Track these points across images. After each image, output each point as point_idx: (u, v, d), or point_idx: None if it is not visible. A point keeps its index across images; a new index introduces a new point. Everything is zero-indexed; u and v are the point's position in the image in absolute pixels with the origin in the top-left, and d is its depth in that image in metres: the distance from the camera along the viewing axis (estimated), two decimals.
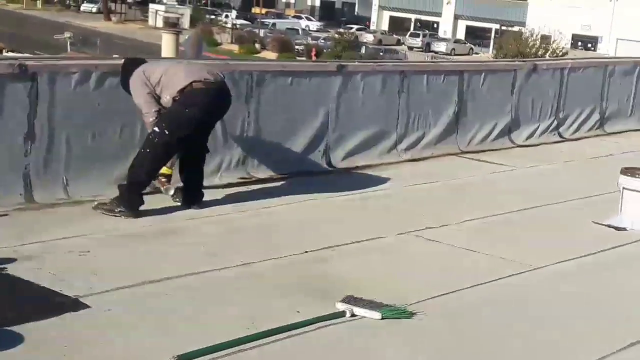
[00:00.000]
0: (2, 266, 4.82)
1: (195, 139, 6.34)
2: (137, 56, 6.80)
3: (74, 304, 4.36)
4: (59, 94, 6.30)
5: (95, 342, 3.97)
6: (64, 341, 3.93)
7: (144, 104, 6.13)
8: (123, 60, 6.50)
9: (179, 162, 6.50)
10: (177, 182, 6.57)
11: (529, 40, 51.47)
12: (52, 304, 4.36)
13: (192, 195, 6.45)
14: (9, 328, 3.99)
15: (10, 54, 25.43)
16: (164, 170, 6.41)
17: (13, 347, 3.83)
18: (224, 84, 6.42)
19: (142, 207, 6.10)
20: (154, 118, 6.08)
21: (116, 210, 5.97)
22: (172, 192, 6.45)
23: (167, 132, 6.05)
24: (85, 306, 4.35)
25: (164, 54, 28.66)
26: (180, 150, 6.32)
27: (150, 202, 6.28)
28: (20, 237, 5.36)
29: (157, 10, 71.27)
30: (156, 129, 6.06)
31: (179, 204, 6.42)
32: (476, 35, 73.65)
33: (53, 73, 6.31)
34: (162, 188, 6.47)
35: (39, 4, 79.82)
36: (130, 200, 6.03)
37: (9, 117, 6.08)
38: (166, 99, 6.13)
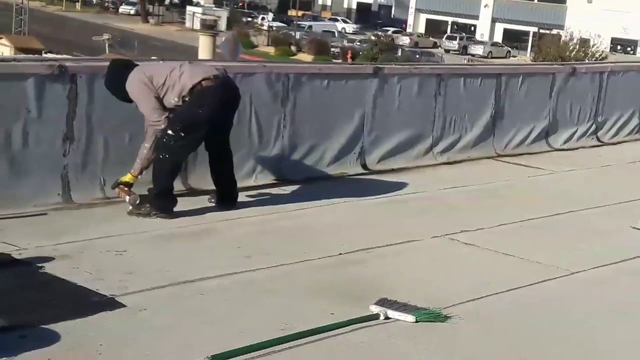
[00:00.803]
0: (40, 265, 4.88)
1: (212, 139, 6.30)
2: (125, 59, 6.60)
3: (110, 303, 4.41)
4: (97, 95, 6.36)
5: (131, 342, 4.00)
6: (99, 340, 3.97)
7: (153, 110, 6.01)
8: (111, 61, 6.38)
9: (209, 165, 6.46)
10: (208, 184, 6.59)
11: (569, 44, 50.96)
12: (88, 303, 4.40)
13: (224, 196, 6.46)
14: (47, 326, 4.04)
15: (50, 55, 25.70)
16: (126, 178, 6.15)
17: (50, 345, 3.87)
18: (230, 79, 6.38)
19: (176, 208, 6.14)
20: (165, 125, 6.00)
21: (152, 214, 6.02)
22: (137, 200, 6.08)
23: (182, 135, 6.01)
24: (121, 305, 4.39)
25: (200, 55, 28.80)
26: (195, 149, 6.29)
27: (186, 203, 6.33)
28: (58, 237, 5.42)
29: (194, 13, 71.66)
30: (170, 132, 5.98)
31: (213, 204, 6.44)
32: (514, 39, 73.12)
33: (92, 74, 6.37)
34: (127, 198, 6.08)
35: (78, 6, 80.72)
36: (163, 205, 6.07)
37: (49, 118, 6.16)
38: (173, 101, 6.03)
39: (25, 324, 4.04)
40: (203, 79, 6.06)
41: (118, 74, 6.13)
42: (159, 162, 6.08)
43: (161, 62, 6.42)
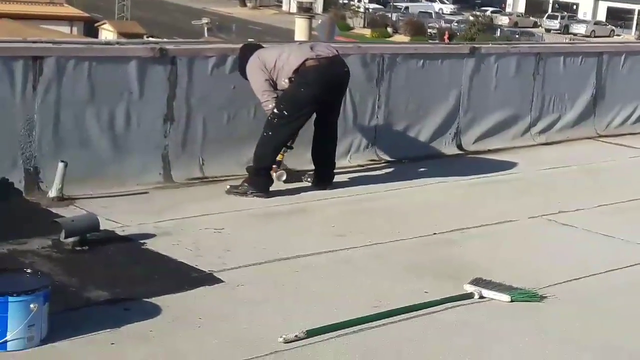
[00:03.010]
0: (142, 241, 5.05)
1: (319, 117, 6.37)
2: (253, 41, 6.79)
3: (209, 279, 4.53)
4: (197, 77, 6.51)
5: (228, 316, 4.11)
6: (198, 314, 4.09)
7: (262, 92, 6.18)
8: (240, 46, 6.56)
9: (312, 142, 6.55)
10: (303, 164, 6.67)
11: None
12: (188, 278, 4.54)
13: (322, 176, 6.53)
14: (149, 300, 4.19)
15: (152, 39, 26.27)
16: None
17: (152, 317, 4.02)
18: (338, 58, 6.39)
19: (272, 187, 6.24)
20: (273, 105, 6.14)
21: (248, 192, 6.13)
22: (284, 177, 6.38)
23: (286, 113, 6.12)
24: (219, 281, 4.51)
25: (297, 37, 28.97)
26: (299, 129, 6.33)
27: (282, 182, 6.42)
28: (159, 214, 5.59)
29: None
30: (276, 111, 6.11)
31: (310, 184, 6.51)
32: (618, 17, 70.78)
33: (191, 57, 6.52)
34: (273, 175, 6.34)
35: None
36: (260, 183, 6.17)
37: (150, 99, 6.33)
38: (283, 82, 6.16)
39: (129, 298, 4.20)
40: (307, 59, 6.15)
41: (244, 58, 6.34)
42: (262, 139, 6.22)
43: (278, 44, 6.56)
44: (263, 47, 6.47)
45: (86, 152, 6.06)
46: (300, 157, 6.82)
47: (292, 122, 6.20)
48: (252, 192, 6.13)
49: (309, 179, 6.58)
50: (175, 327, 3.95)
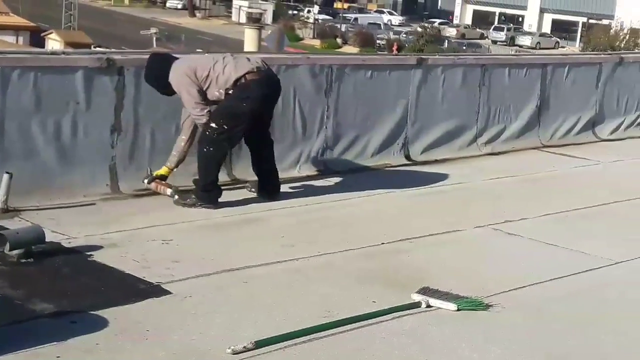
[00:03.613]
0: (89, 253, 5.01)
1: (254, 131, 6.30)
2: (163, 52, 6.70)
3: (157, 291, 4.51)
4: (144, 88, 6.45)
5: (176, 328, 4.09)
6: (146, 326, 4.07)
7: (196, 105, 6.06)
8: (150, 55, 6.43)
9: (251, 156, 6.51)
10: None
11: (619, 34, 50.20)
12: (135, 290, 4.51)
13: (266, 186, 6.51)
14: (95, 312, 4.15)
15: (99, 49, 26.05)
16: (162, 171, 6.27)
17: (99, 330, 3.98)
18: (272, 72, 6.40)
19: (221, 199, 6.22)
20: (207, 118, 6.06)
21: (197, 204, 6.10)
22: (169, 192, 6.19)
23: (226, 127, 6.06)
24: (167, 292, 4.49)
25: (246, 48, 28.97)
26: (238, 141, 6.32)
27: (230, 193, 6.42)
28: (106, 226, 5.54)
29: (240, 6, 72.00)
30: (214, 125, 6.03)
31: (254, 194, 6.51)
32: (562, 29, 72.11)
33: (139, 67, 6.47)
34: (167, 191, 6.20)
35: (126, 1, 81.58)
36: (208, 197, 6.15)
37: (97, 110, 6.28)
38: (217, 93, 6.06)
39: (75, 310, 4.16)
40: (247, 72, 6.10)
41: (158, 67, 6.20)
42: (203, 155, 6.15)
43: (204, 54, 6.46)
44: (180, 58, 6.33)
45: (32, 163, 5.99)
46: (248, 169, 6.82)
47: (232, 136, 6.17)
48: (200, 204, 6.11)
49: (252, 190, 6.57)
50: (122, 340, 3.91)
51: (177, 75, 6.10)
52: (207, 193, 6.16)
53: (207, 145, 6.12)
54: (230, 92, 6.08)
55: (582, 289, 5.12)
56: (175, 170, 6.32)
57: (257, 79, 6.13)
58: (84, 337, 3.88)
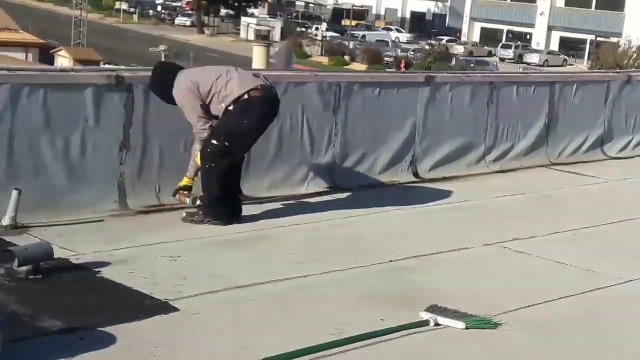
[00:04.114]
0: (97, 269, 5.01)
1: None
2: (170, 62, 6.69)
3: (165, 307, 4.50)
4: (153, 105, 6.48)
5: (184, 345, 4.09)
6: (154, 343, 4.06)
7: (198, 118, 6.02)
8: (156, 64, 6.40)
9: None
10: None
11: (627, 51, 50.22)
12: (143, 306, 4.51)
13: (230, 207, 6.26)
14: (103, 329, 4.15)
15: (108, 66, 26.20)
16: (184, 182, 6.26)
17: (106, 347, 3.98)
18: (274, 90, 6.30)
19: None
20: (208, 133, 6.01)
21: (205, 221, 6.09)
22: (198, 201, 6.20)
23: (227, 144, 6.00)
24: (175, 309, 4.48)
25: (254, 65, 29.04)
26: (241, 158, 6.29)
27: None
28: (114, 242, 5.55)
29: (248, 23, 72.34)
30: (214, 141, 5.98)
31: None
32: (570, 47, 72.17)
33: (148, 84, 6.49)
34: (187, 200, 6.22)
35: (135, 18, 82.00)
36: (215, 213, 6.11)
37: (106, 127, 6.30)
38: (219, 107, 6.01)
39: (83, 326, 4.15)
40: (251, 89, 6.05)
41: (163, 76, 6.19)
42: (205, 171, 6.11)
43: (207, 67, 6.43)
44: (186, 69, 6.31)
45: (41, 180, 6.01)
46: (257, 185, 6.84)
47: (234, 153, 6.12)
48: (208, 220, 6.10)
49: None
50: (130, 356, 3.91)
51: (180, 90, 6.07)
52: (213, 209, 6.13)
53: (209, 161, 6.08)
54: (231, 107, 6.01)
55: (592, 308, 5.09)
56: (196, 179, 6.29)
57: (260, 97, 6.08)
58: (91, 353, 3.88)
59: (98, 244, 5.46)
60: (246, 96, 6.02)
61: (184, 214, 6.19)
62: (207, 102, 6.04)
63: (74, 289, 4.71)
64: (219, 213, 6.15)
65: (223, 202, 6.18)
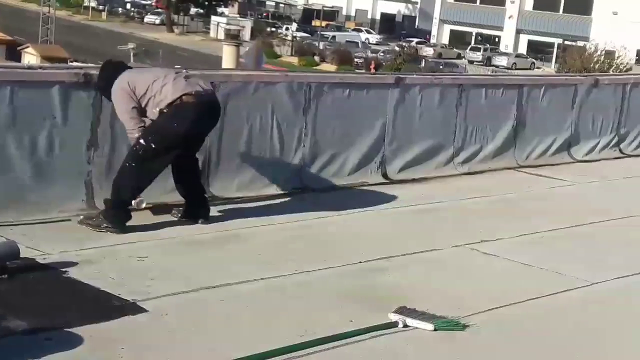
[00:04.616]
0: (63, 270, 4.96)
1: (185, 153, 6.09)
2: (117, 60, 6.41)
3: (133, 308, 4.47)
4: None
5: (152, 346, 4.06)
6: (121, 344, 4.03)
7: (130, 119, 5.88)
8: (103, 63, 6.25)
9: (175, 177, 6.22)
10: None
11: (594, 55, 50.77)
12: (111, 307, 4.47)
13: (196, 209, 6.21)
14: (71, 329, 4.11)
15: (76, 64, 25.97)
16: None
17: (73, 348, 3.94)
18: (214, 96, 6.18)
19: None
20: (139, 134, 5.85)
21: (102, 226, 5.78)
22: (143, 205, 5.97)
23: (153, 146, 5.81)
24: (143, 310, 4.45)
25: (224, 65, 28.96)
26: (165, 165, 6.01)
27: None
28: (81, 242, 5.50)
29: (218, 23, 72.02)
30: (142, 141, 5.81)
31: (176, 218, 6.19)
32: (538, 50, 72.82)
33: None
34: (132, 202, 5.95)
35: (104, 16, 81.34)
36: (116, 217, 5.83)
37: (74, 125, 6.24)
38: (154, 111, 5.87)
39: (50, 327, 4.12)
40: (184, 94, 5.86)
41: (108, 76, 6.03)
42: (123, 170, 5.91)
43: (149, 69, 6.26)
44: (130, 68, 6.19)
45: (7, 178, 5.93)
46: (226, 186, 6.80)
47: (159, 157, 5.88)
48: (106, 227, 5.77)
49: (177, 214, 6.25)
50: (97, 357, 3.88)
51: (116, 89, 5.91)
52: (115, 212, 5.83)
53: (130, 160, 5.87)
54: (165, 111, 5.87)
55: (559, 309, 5.14)
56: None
57: (192, 102, 5.88)
58: (58, 354, 3.85)
59: (65, 244, 5.41)
60: (179, 101, 5.86)
61: (81, 216, 5.92)
62: (143, 105, 5.89)
63: (40, 289, 4.67)
64: (120, 219, 5.84)
65: (127, 209, 5.90)
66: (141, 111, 5.92)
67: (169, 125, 5.87)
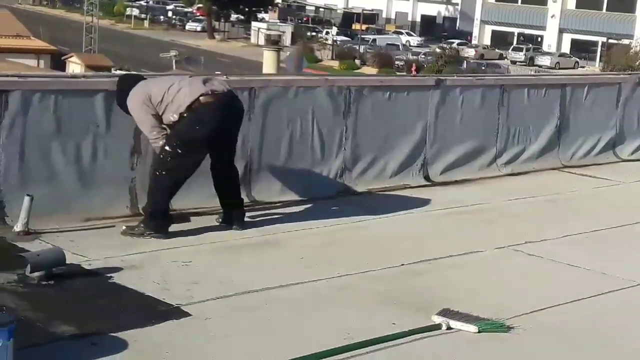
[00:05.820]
0: (108, 275, 5.02)
1: (216, 157, 6.09)
2: (133, 74, 6.38)
3: (176, 312, 4.51)
4: None
5: (195, 350, 4.09)
6: (165, 348, 4.07)
7: (151, 129, 5.88)
8: (119, 79, 6.24)
9: (213, 185, 6.23)
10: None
11: (639, 53, 50.04)
12: (155, 312, 4.51)
13: (230, 215, 6.21)
14: (115, 334, 4.16)
15: (119, 72, 26.26)
16: None
17: (119, 352, 3.99)
18: (232, 93, 6.11)
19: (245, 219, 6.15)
20: (163, 142, 5.85)
21: (145, 234, 5.82)
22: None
23: (179, 151, 5.80)
24: (187, 314, 4.49)
25: (265, 70, 29.12)
26: (195, 169, 5.97)
27: (249, 215, 6.40)
28: (126, 248, 5.56)
29: (259, 28, 72.39)
30: (168, 148, 5.80)
31: (218, 223, 6.22)
32: (582, 49, 71.94)
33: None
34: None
35: (146, 24, 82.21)
36: (157, 225, 5.86)
37: (117, 132, 6.31)
38: (172, 117, 5.84)
39: (95, 332, 4.17)
40: (201, 95, 5.85)
41: (125, 90, 6.02)
42: (155, 179, 5.91)
43: (163, 77, 6.27)
44: (145, 79, 6.17)
45: (52, 186, 6.02)
46: (267, 189, 6.81)
47: (187, 161, 5.86)
48: (149, 234, 5.81)
49: (219, 220, 6.28)
50: None
51: (132, 100, 5.93)
52: (154, 221, 5.85)
53: (159, 168, 5.88)
54: (185, 115, 5.86)
55: (604, 311, 5.07)
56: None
57: (210, 102, 5.87)
58: (103, 359, 3.89)
59: (110, 250, 5.47)
60: (197, 103, 5.86)
61: (124, 227, 5.91)
62: (161, 113, 5.89)
63: (86, 295, 4.72)
64: (161, 226, 5.88)
65: (166, 215, 5.95)
66: (160, 118, 5.91)
67: (192, 129, 5.87)
